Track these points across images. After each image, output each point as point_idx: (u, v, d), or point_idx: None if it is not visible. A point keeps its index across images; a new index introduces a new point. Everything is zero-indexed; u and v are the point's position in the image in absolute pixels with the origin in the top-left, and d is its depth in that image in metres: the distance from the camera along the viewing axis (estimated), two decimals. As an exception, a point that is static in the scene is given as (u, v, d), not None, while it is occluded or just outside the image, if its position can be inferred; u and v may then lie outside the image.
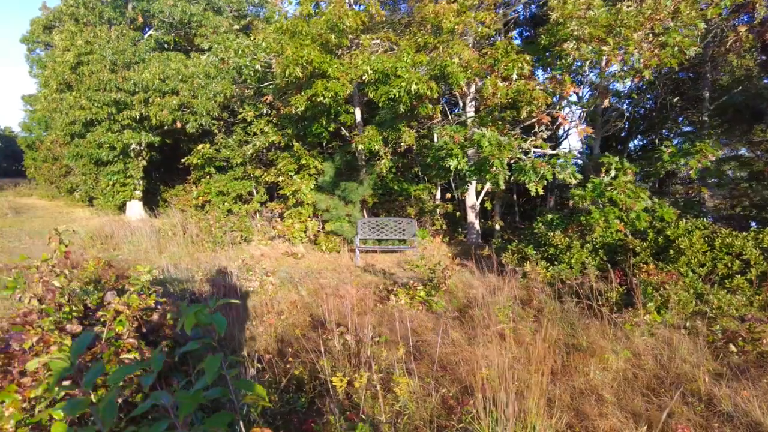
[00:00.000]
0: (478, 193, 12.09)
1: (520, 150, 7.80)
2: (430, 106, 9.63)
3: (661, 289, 5.51)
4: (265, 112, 13.29)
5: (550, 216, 8.47)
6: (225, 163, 16.00)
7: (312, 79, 9.64)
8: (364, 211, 12.11)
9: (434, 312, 6.22)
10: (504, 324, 5.13)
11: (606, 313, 5.24)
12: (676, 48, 6.98)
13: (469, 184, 11.99)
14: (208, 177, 16.39)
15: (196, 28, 17.53)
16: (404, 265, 10.15)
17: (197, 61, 16.07)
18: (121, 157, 18.15)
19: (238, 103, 14.44)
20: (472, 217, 12.14)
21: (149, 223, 16.30)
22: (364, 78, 9.15)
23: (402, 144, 10.71)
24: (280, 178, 11.39)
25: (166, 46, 18.81)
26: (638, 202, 6.97)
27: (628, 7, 7.40)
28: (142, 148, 18.87)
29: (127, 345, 3.09)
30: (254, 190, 15.45)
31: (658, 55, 7.10)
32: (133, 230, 14.19)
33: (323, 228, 11.80)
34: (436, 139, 10.45)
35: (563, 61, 8.02)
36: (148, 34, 18.44)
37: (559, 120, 8.76)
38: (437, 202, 12.63)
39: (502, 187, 7.78)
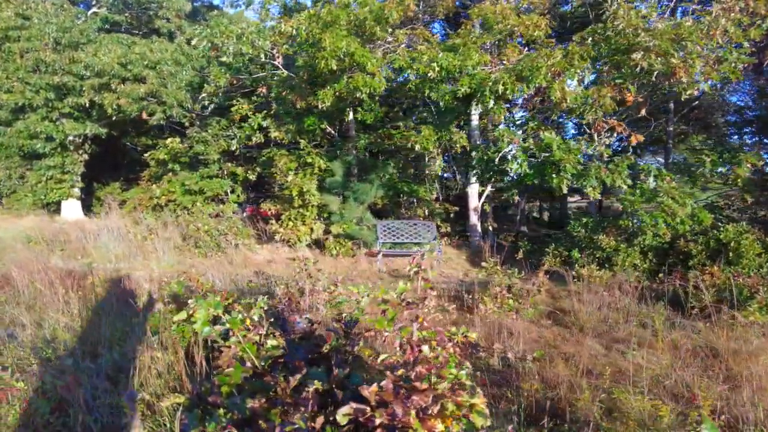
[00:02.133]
0: (479, 195, 12.22)
1: (584, 155, 8.00)
2: (505, 106, 9.43)
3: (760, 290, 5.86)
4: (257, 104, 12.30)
5: (585, 219, 8.76)
6: (192, 159, 14.62)
7: (338, 72, 9.06)
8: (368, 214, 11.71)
9: (529, 320, 6.12)
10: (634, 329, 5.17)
11: (699, 314, 5.49)
12: (733, 64, 7.64)
13: (470, 185, 12.09)
14: (170, 174, 14.86)
15: (155, 10, 15.85)
16: (431, 269, 9.96)
17: (162, 47, 14.54)
18: (59, 149, 15.86)
19: (219, 95, 13.22)
20: (474, 219, 12.24)
21: (98, 224, 14.41)
22: (429, 75, 8.78)
23: (456, 145, 10.47)
24: (289, 177, 10.59)
25: (114, 27, 16.81)
26: (685, 207, 7.45)
27: (686, 22, 7.93)
28: (83, 140, 16.67)
29: None
30: (229, 189, 14.29)
31: (717, 70, 7.70)
32: (94, 234, 12.50)
33: (328, 231, 11.21)
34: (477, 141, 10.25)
35: (626, 69, 8.37)
36: (92, 11, 16.35)
37: (615, 126, 9.07)
38: (436, 204, 12.56)
39: (565, 191, 7.92)
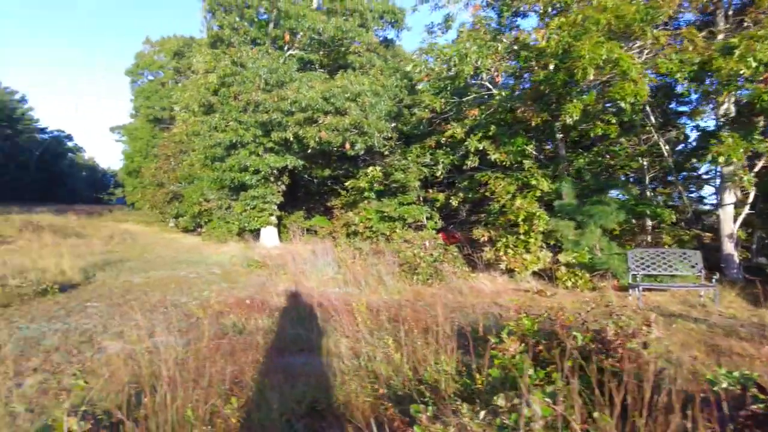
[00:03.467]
0: (735, 218, 10.22)
1: None
2: None
3: None
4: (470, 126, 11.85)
5: None
6: (387, 187, 14.67)
7: (589, 83, 8.21)
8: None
9: None
10: None
11: None
12: None
13: (723, 206, 10.15)
14: (365, 201, 15.09)
15: (347, 45, 16.59)
16: (707, 308, 8.31)
17: (358, 80, 15.01)
18: (262, 181, 17.18)
19: (423, 121, 13.13)
20: (730, 247, 10.24)
21: (297, 250, 15.08)
22: (742, 73, 7.56)
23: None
24: (517, 202, 9.82)
25: (307, 66, 17.96)
26: None
27: None
28: (280, 172, 17.90)
29: None
30: (427, 216, 13.99)
31: None
32: (304, 259, 12.94)
33: (556, 259, 10.12)
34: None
35: None
36: (289, 53, 17.65)
37: None
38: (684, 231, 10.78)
39: None
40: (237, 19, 17.34)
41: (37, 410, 3.65)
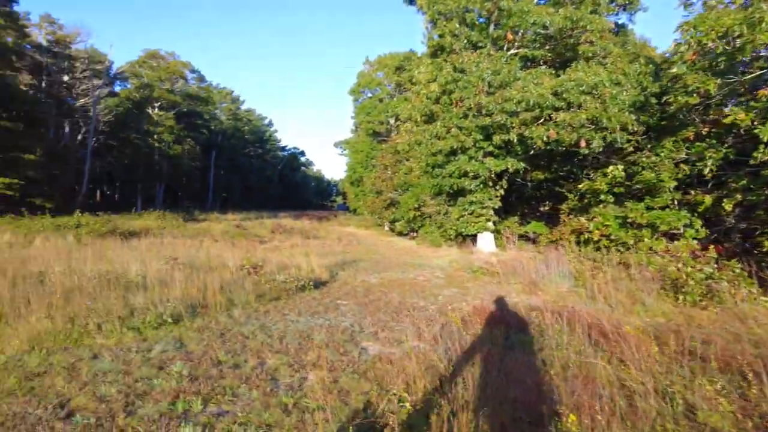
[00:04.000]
0: None
1: None
2: None
3: None
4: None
5: None
6: (626, 189, 12.75)
7: None
8: None
9: None
10: None
11: None
12: None
13: None
14: (600, 206, 13.40)
15: (576, 36, 15.16)
16: None
17: (591, 70, 13.49)
18: (481, 186, 16.88)
19: (683, 109, 11.00)
20: None
21: (520, 257, 14.18)
22: None
23: None
24: None
25: (529, 64, 17.05)
26: None
27: None
28: (498, 176, 17.35)
29: None
30: (686, 223, 11.68)
31: None
32: (531, 267, 12.01)
33: None
34: None
35: None
36: (510, 53, 16.97)
37: None
38: None
39: None
40: (457, 25, 17.44)
41: (328, 410, 3.68)
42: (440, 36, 18.14)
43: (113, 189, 49.03)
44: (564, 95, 13.09)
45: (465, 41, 17.38)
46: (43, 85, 34.32)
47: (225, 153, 59.49)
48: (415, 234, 25.11)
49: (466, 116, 16.33)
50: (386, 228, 30.84)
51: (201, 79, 52.82)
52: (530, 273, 11.47)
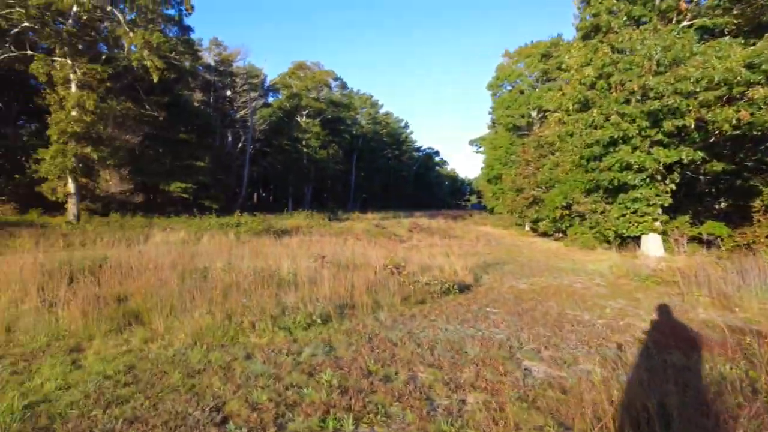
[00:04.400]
0: None
1: None
2: None
3: None
4: None
5: None
6: None
7: None
8: None
9: None
10: None
11: None
12: None
13: None
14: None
15: (779, -6, 12.44)
16: None
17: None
18: (647, 180, 14.77)
19: None
20: None
21: (701, 263, 11.98)
22: None
23: None
24: None
25: (708, 35, 14.49)
26: None
27: None
28: (668, 169, 15.03)
29: None
30: None
31: None
32: (718, 276, 10.02)
33: None
34: None
35: None
36: (683, 25, 14.58)
37: None
38: None
39: None
40: (615, 0, 15.57)
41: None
42: (594, 15, 16.38)
43: (268, 191, 54.39)
44: (763, 66, 10.75)
45: (624, 17, 15.43)
46: (211, 100, 39.29)
47: (365, 156, 62.27)
48: (561, 235, 23.26)
49: (628, 101, 14.45)
50: (527, 228, 29.13)
51: (343, 86, 55.90)
52: (719, 283, 9.59)
